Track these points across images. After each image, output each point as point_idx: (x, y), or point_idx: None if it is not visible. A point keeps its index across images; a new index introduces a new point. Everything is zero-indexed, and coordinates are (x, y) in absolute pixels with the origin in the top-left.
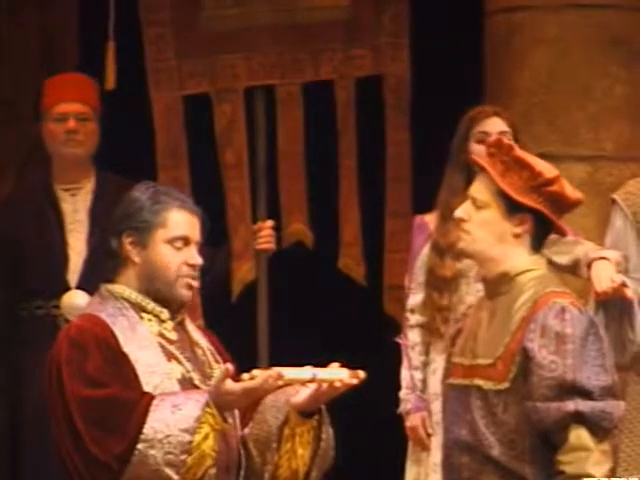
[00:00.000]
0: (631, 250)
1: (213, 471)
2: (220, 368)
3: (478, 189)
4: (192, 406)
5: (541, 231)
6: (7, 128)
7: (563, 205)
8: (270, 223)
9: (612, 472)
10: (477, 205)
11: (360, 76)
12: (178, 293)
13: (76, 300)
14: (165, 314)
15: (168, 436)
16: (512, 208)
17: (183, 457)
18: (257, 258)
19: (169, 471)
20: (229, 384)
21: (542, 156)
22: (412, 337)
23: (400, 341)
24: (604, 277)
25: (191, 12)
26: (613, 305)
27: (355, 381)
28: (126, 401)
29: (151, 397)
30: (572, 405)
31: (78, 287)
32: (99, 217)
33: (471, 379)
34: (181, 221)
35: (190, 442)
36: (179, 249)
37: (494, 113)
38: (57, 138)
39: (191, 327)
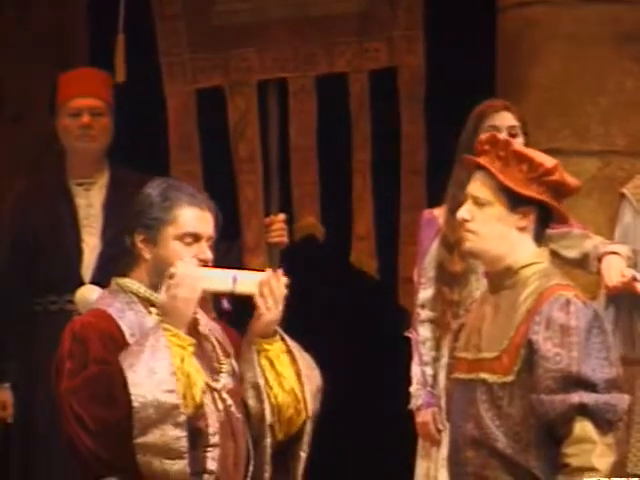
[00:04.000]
0: None
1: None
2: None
3: (477, 187)
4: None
5: (543, 221)
6: (20, 124)
7: (563, 192)
8: (282, 217)
9: (620, 465)
10: (479, 203)
11: (374, 69)
12: None
13: (90, 295)
14: None
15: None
16: (515, 202)
17: (172, 379)
18: (269, 252)
19: (168, 398)
20: (158, 299)
21: (554, 151)
22: (423, 332)
23: (410, 336)
24: (615, 271)
25: (204, 6)
26: (623, 299)
27: (275, 282)
28: (104, 372)
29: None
30: (576, 397)
31: (92, 282)
32: (113, 212)
33: (476, 373)
34: (191, 217)
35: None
36: (189, 245)
37: (504, 107)
38: (71, 133)
39: (202, 321)
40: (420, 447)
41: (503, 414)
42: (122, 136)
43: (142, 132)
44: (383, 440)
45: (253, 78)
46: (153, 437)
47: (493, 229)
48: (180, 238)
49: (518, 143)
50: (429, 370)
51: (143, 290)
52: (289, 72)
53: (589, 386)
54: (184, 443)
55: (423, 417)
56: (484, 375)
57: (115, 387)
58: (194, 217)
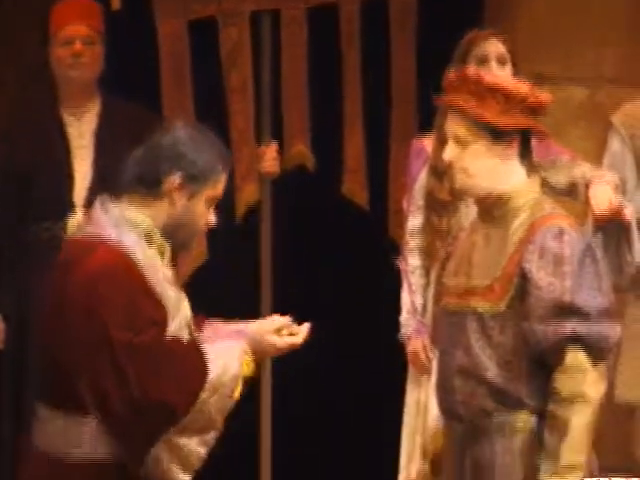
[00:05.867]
0: (628, 173)
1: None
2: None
3: (456, 127)
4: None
5: (526, 141)
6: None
7: (540, 112)
8: (275, 146)
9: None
10: (462, 142)
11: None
12: (191, 245)
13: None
14: (167, 249)
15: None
16: (497, 134)
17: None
18: (261, 181)
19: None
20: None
21: (542, 77)
22: (412, 261)
23: (400, 265)
24: (602, 199)
25: None
26: (611, 227)
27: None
28: (177, 349)
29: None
30: (569, 327)
31: (84, 207)
32: (104, 140)
33: (467, 302)
34: (222, 185)
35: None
36: (209, 208)
37: (492, 35)
38: (64, 62)
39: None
40: (410, 375)
41: (494, 343)
42: (114, 65)
43: (134, 61)
44: (374, 369)
45: (246, 8)
46: (182, 441)
47: (481, 164)
48: (209, 201)
49: (506, 72)
50: (419, 299)
51: (146, 224)
52: (281, 2)
53: (582, 315)
54: (200, 462)
55: (413, 345)
56: (475, 304)
57: (191, 378)
58: (223, 185)
